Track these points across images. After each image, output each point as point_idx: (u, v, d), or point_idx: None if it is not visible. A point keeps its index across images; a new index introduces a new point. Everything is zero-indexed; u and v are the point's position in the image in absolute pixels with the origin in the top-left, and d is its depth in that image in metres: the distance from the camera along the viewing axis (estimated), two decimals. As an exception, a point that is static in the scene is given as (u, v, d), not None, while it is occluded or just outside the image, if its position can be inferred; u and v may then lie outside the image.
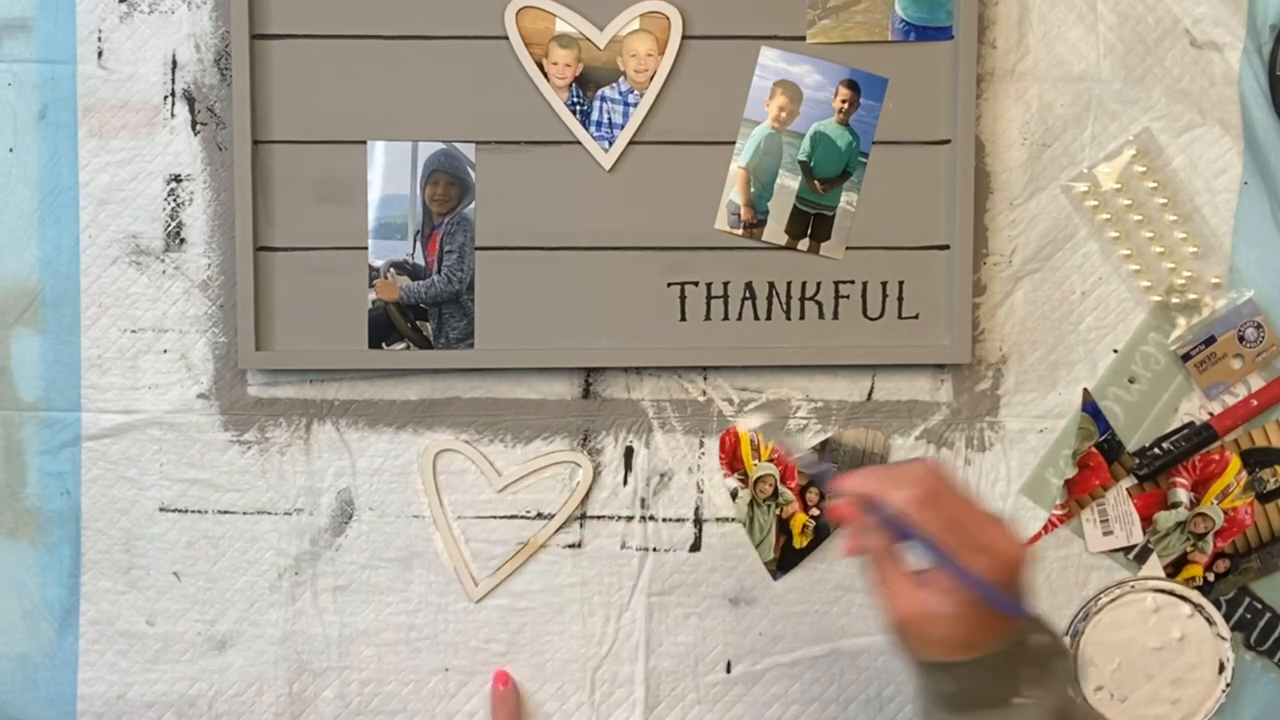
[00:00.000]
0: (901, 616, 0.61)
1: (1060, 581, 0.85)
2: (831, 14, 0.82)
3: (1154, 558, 0.85)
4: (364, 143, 0.82)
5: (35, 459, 0.83)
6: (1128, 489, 0.85)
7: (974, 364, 0.85)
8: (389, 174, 0.82)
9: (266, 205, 0.81)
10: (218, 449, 0.83)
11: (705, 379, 0.84)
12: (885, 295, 0.84)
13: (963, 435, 0.85)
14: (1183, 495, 0.85)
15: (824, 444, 0.84)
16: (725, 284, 0.83)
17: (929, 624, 0.60)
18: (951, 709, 0.63)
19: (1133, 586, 0.85)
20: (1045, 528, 0.85)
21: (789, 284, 0.83)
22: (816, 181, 0.83)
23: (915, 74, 0.82)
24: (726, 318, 0.83)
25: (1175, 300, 0.84)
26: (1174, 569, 0.85)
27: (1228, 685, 0.84)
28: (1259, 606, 0.86)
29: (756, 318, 0.84)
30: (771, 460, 0.84)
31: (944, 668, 0.61)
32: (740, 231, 0.83)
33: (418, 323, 0.83)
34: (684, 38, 0.81)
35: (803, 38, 0.82)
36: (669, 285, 0.83)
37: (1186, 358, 0.84)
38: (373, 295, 0.82)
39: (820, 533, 0.84)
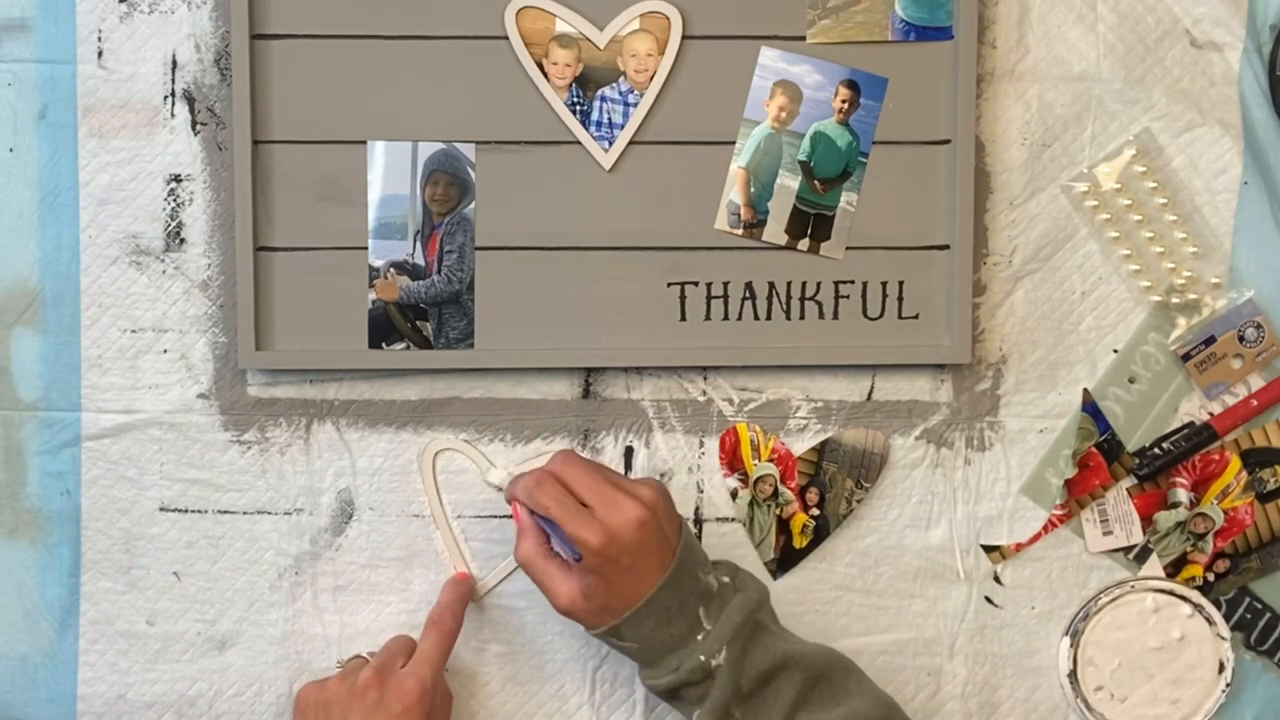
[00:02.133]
0: (556, 605, 0.70)
1: (1060, 581, 0.85)
2: (831, 14, 0.82)
3: (1154, 558, 0.85)
4: (364, 143, 0.81)
5: (35, 459, 0.83)
6: (1128, 489, 0.85)
7: (974, 364, 0.85)
8: (389, 174, 0.82)
9: (266, 205, 0.81)
10: (218, 449, 0.83)
11: (705, 379, 0.84)
12: (885, 295, 0.84)
13: (963, 435, 0.85)
14: (1183, 495, 0.85)
15: (824, 444, 0.84)
16: (725, 284, 0.83)
17: (578, 601, 0.69)
18: (645, 664, 0.71)
19: (1133, 586, 0.85)
20: (1045, 528, 0.85)
21: (789, 284, 0.83)
22: (816, 181, 0.83)
23: (915, 74, 0.82)
24: (726, 318, 0.83)
25: (1175, 300, 0.84)
26: (1174, 569, 0.85)
27: (1228, 685, 0.84)
28: (1259, 606, 0.86)
29: (756, 318, 0.84)
30: (772, 460, 0.84)
31: (613, 631, 0.69)
32: (740, 231, 0.83)
33: (418, 323, 0.83)
34: (684, 38, 0.81)
35: (803, 38, 0.82)
36: (669, 285, 0.83)
37: (1186, 358, 0.84)
38: (373, 295, 0.82)
39: (820, 533, 0.84)
